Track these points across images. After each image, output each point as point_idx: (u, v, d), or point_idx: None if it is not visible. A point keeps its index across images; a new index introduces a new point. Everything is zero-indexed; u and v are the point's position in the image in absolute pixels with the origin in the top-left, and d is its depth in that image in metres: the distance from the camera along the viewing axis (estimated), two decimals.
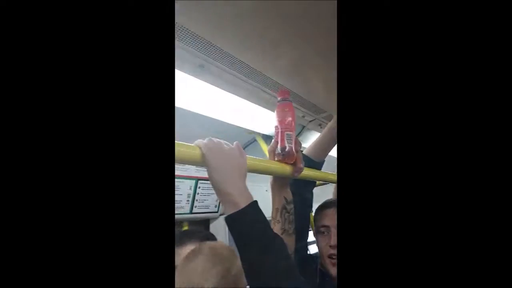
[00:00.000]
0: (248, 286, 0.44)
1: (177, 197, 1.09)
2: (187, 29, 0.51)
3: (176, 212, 1.09)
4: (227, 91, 0.74)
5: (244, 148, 1.14)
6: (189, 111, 0.81)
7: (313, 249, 0.87)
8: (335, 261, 0.67)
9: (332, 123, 0.74)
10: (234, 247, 0.48)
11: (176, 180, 1.08)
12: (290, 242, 0.62)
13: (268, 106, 0.86)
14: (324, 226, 0.71)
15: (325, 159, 0.76)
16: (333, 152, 0.77)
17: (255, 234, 0.43)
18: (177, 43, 0.54)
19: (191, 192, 1.13)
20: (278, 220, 0.62)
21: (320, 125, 1.06)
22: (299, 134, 1.10)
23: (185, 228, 1.15)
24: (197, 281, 0.46)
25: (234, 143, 0.51)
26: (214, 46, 0.56)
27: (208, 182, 1.19)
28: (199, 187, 1.15)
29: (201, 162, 0.45)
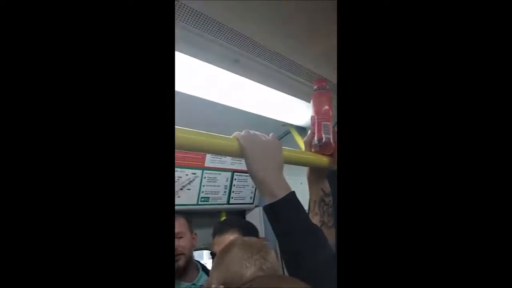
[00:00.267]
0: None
1: (215, 189, 1.14)
2: (222, 24, 0.52)
3: (214, 202, 1.14)
4: (261, 84, 0.74)
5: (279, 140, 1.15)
6: (225, 106, 0.83)
7: None
8: None
9: None
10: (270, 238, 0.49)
11: (213, 172, 1.12)
12: (330, 235, 0.61)
13: (303, 96, 0.84)
14: None
15: None
16: None
17: (294, 223, 0.43)
18: (211, 38, 0.55)
19: (228, 184, 1.17)
20: (316, 213, 0.61)
21: None
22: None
23: (223, 218, 1.20)
24: (236, 269, 0.48)
25: (270, 134, 0.51)
26: (249, 39, 0.56)
27: (243, 174, 1.23)
28: (235, 179, 1.19)
29: (239, 153, 0.46)
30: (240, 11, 0.50)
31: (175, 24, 0.50)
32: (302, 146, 0.63)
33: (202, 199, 1.11)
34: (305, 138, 0.61)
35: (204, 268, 1.05)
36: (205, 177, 1.10)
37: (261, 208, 1.28)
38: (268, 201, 0.45)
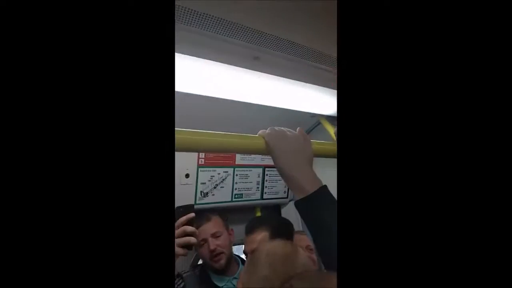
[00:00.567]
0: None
1: (247, 185, 1.16)
2: (238, 24, 0.52)
3: (248, 199, 1.16)
4: (285, 77, 0.73)
5: (309, 132, 1.13)
6: (250, 104, 0.84)
7: None
8: None
9: None
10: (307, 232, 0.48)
11: (244, 169, 1.14)
12: None
13: (329, 84, 0.81)
14: None
15: None
16: None
17: (326, 218, 0.42)
18: (229, 39, 0.55)
19: (260, 179, 1.18)
20: None
21: None
22: None
23: (258, 214, 1.22)
24: (264, 274, 0.48)
25: (297, 129, 0.50)
26: (267, 35, 0.55)
27: (275, 169, 1.23)
28: (267, 174, 1.20)
29: (266, 151, 0.46)
30: (254, 9, 0.49)
31: (191, 31, 0.51)
32: (334, 136, 0.61)
33: (236, 196, 1.14)
34: (336, 128, 0.59)
35: (243, 261, 1.08)
36: (236, 175, 1.13)
37: None
38: (298, 197, 0.44)
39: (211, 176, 1.08)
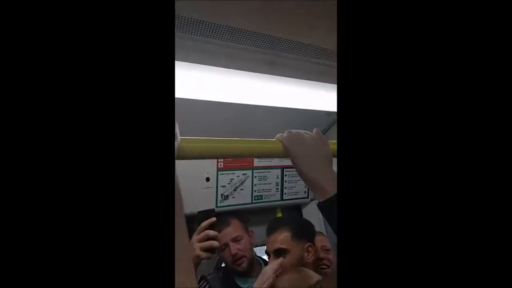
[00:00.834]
0: None
1: (266, 186, 1.16)
2: (253, 32, 0.52)
3: (268, 200, 1.17)
4: (300, 79, 0.73)
5: (325, 132, 1.11)
6: (267, 107, 0.85)
7: None
8: None
9: None
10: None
11: (262, 171, 1.15)
12: None
13: None
14: None
15: None
16: None
17: None
18: (245, 47, 0.56)
19: (279, 180, 1.19)
20: None
21: None
22: None
23: (279, 214, 1.22)
24: None
25: (314, 130, 0.50)
26: (281, 40, 0.56)
27: (293, 169, 1.22)
28: (286, 175, 1.20)
29: (285, 154, 0.46)
30: (267, 15, 0.50)
31: (208, 42, 0.52)
32: None
33: (256, 198, 1.15)
34: None
35: (266, 263, 1.09)
36: (255, 177, 1.14)
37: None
38: (320, 198, 0.44)
39: (231, 179, 1.10)
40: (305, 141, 0.47)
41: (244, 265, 0.96)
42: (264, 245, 1.25)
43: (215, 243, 0.77)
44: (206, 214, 0.81)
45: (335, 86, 0.81)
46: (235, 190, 1.10)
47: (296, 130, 0.48)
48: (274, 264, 0.75)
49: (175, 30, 0.52)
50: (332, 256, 0.90)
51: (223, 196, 1.08)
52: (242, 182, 1.12)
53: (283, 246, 0.86)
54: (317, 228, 1.00)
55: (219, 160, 1.07)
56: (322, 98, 0.90)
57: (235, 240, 0.96)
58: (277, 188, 1.19)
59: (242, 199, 1.12)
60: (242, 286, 0.98)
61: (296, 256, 0.85)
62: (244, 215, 1.11)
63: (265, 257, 1.18)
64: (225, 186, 1.08)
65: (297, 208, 1.29)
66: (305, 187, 1.24)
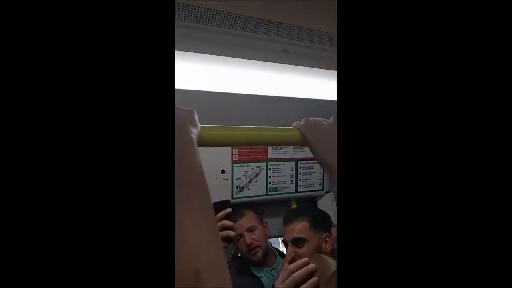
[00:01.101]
0: None
1: (281, 179, 1.17)
2: (267, 20, 0.52)
3: (283, 192, 1.17)
4: (315, 67, 0.72)
5: None
6: (282, 97, 0.84)
7: None
8: None
9: None
10: None
11: (277, 163, 1.15)
12: None
13: None
14: None
15: None
16: None
17: None
18: (257, 35, 0.56)
19: (293, 173, 1.19)
20: None
21: None
22: None
23: (293, 206, 1.22)
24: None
25: (331, 118, 0.50)
26: (294, 27, 0.56)
27: (308, 162, 1.22)
28: (300, 167, 1.19)
29: (302, 142, 0.47)
30: (280, 4, 0.50)
31: (222, 31, 0.53)
32: None
33: (271, 190, 1.16)
34: None
35: (281, 254, 1.10)
36: (270, 169, 1.14)
37: (332, 193, 1.26)
38: None
39: (245, 171, 1.11)
40: (322, 128, 0.47)
41: (259, 254, 0.97)
42: (279, 237, 1.27)
43: (231, 233, 0.78)
44: (223, 204, 0.83)
45: None
46: (250, 182, 1.11)
47: (314, 118, 0.48)
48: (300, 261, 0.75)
49: (189, 22, 0.53)
50: None
51: (238, 188, 1.10)
52: (257, 174, 1.13)
53: (302, 236, 0.87)
54: (332, 220, 1.00)
55: (234, 152, 1.08)
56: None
57: (250, 230, 0.98)
58: (292, 180, 1.19)
59: (257, 191, 1.13)
60: (257, 275, 0.99)
61: (314, 245, 0.86)
62: (259, 207, 1.12)
63: (281, 249, 1.19)
64: (240, 178, 1.10)
65: (312, 201, 1.29)
66: (320, 179, 1.23)
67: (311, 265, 0.62)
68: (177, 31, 0.54)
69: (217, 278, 0.25)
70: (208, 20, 0.52)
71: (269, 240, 1.11)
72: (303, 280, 0.60)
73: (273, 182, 1.16)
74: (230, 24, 0.53)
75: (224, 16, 0.51)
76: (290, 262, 0.66)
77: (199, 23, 0.53)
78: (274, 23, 0.53)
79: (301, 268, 0.62)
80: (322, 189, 1.25)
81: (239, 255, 1.08)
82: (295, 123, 0.48)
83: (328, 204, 1.25)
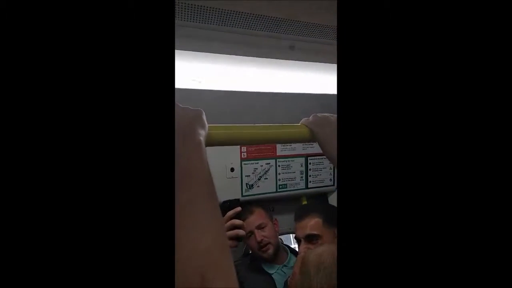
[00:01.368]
0: None
1: (290, 175, 1.16)
2: (273, 17, 0.52)
3: (293, 188, 1.17)
4: (321, 62, 0.71)
5: None
6: (288, 94, 0.84)
7: None
8: None
9: None
10: None
11: (286, 160, 1.15)
12: None
13: None
14: None
15: None
16: None
17: None
18: (261, 33, 0.56)
19: (303, 169, 1.18)
20: None
21: None
22: None
23: (304, 202, 1.22)
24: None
25: None
26: (300, 23, 0.55)
27: (318, 157, 1.20)
28: (310, 163, 1.18)
29: (311, 138, 0.46)
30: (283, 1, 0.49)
31: (230, 31, 0.52)
32: None
33: (280, 186, 1.15)
34: None
35: (292, 250, 1.10)
36: (279, 166, 1.14)
37: None
38: None
39: (254, 168, 1.11)
40: (331, 123, 0.46)
41: (270, 251, 0.98)
42: (290, 233, 1.26)
43: (241, 232, 0.79)
44: (232, 203, 0.83)
45: None
46: (259, 179, 1.12)
47: (322, 114, 0.48)
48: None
49: (193, 22, 0.53)
50: None
51: (248, 185, 1.10)
52: (266, 171, 1.12)
53: (315, 232, 0.86)
54: None
55: (242, 150, 1.08)
56: None
57: (260, 227, 0.98)
58: (302, 177, 1.18)
59: (267, 188, 1.13)
60: (269, 271, 1.00)
61: (328, 242, 0.85)
62: (270, 204, 1.12)
63: (293, 245, 1.19)
64: (249, 175, 1.10)
65: (323, 197, 1.28)
66: (330, 174, 1.22)
67: None
68: (186, 31, 0.54)
69: (223, 280, 0.25)
70: (213, 19, 0.52)
71: (280, 237, 1.11)
72: None
73: (282, 179, 1.15)
74: (235, 23, 0.53)
75: (224, 15, 0.51)
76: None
77: (206, 23, 0.53)
78: (279, 19, 0.53)
79: None
80: (333, 185, 1.23)
81: (250, 252, 1.09)
82: (303, 120, 0.48)
83: None
